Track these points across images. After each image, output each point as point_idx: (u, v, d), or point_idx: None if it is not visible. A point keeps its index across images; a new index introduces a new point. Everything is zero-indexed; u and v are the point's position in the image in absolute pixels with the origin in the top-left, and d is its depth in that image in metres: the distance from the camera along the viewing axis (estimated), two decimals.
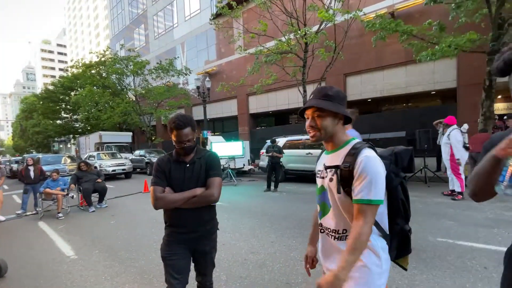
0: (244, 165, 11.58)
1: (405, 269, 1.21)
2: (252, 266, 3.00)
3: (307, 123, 1.12)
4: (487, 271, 2.58)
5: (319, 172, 1.20)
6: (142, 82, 19.56)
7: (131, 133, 20.77)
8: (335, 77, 13.21)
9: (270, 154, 7.72)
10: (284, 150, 8.29)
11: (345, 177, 1.04)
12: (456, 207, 4.86)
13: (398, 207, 1.10)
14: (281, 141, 9.24)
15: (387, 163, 1.10)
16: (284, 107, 16.28)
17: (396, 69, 12.19)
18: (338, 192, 1.05)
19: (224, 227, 4.40)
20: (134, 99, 20.31)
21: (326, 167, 1.13)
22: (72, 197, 6.52)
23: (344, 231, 1.08)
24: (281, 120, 19.36)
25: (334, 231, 1.11)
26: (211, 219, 1.75)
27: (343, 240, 1.08)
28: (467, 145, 5.66)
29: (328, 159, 1.16)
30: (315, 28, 10.58)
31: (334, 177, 1.08)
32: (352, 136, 1.14)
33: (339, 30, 10.45)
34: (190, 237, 1.66)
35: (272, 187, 7.70)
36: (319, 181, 1.20)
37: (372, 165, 1.00)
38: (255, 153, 13.71)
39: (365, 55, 12.64)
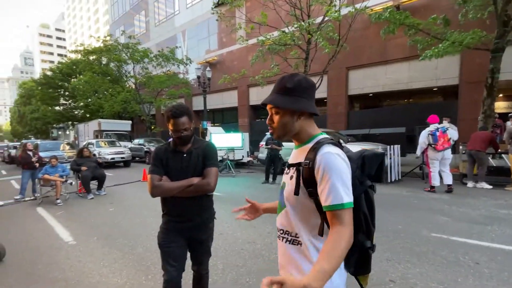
0: (243, 156, 11.61)
1: None
2: (249, 255, 3.04)
3: (267, 118, 1.04)
4: (479, 266, 2.63)
5: (287, 170, 1.10)
6: (142, 70, 19.34)
7: (130, 122, 20.70)
8: (337, 70, 13.10)
9: (269, 146, 7.73)
10: (283, 143, 8.29)
11: (307, 175, 0.92)
12: (451, 204, 4.91)
13: (359, 221, 0.94)
14: None
15: (353, 167, 0.95)
16: None
17: (399, 64, 12.07)
18: (296, 193, 0.94)
19: (222, 217, 4.43)
20: (134, 87, 20.14)
21: (289, 165, 1.05)
22: (71, 183, 6.54)
23: (297, 236, 0.96)
24: None
25: (286, 232, 1.00)
26: (208, 209, 1.77)
27: (295, 244, 0.97)
28: (433, 145, 5.88)
29: (294, 155, 1.05)
30: (319, 20, 10.41)
31: (295, 175, 0.98)
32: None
33: (343, 22, 10.28)
34: (186, 225, 1.69)
35: (270, 179, 7.74)
36: (284, 178, 1.10)
37: (334, 162, 0.88)
38: (254, 145, 13.71)
39: (368, 49, 12.49)
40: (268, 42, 11.15)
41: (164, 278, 1.66)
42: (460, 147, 8.32)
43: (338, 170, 0.87)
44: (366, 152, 1.02)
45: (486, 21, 7.69)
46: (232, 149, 10.57)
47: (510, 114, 6.58)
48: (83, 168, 6.54)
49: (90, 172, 6.58)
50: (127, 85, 21.04)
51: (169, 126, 1.63)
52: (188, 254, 1.78)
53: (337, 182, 0.85)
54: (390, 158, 6.88)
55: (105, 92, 21.17)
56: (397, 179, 7.00)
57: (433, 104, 12.55)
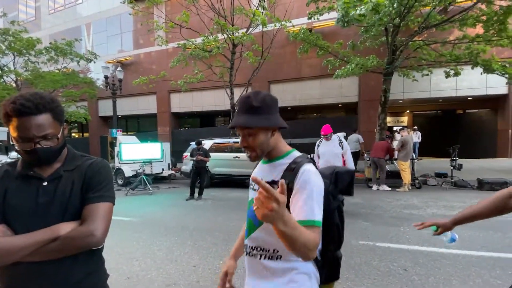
0: (163, 170, 10.36)
1: None
2: None
3: (240, 142, 1.03)
4: (407, 273, 2.74)
5: (252, 184, 1.05)
6: (26, 64, 15.41)
7: (7, 129, 16.09)
8: (260, 83, 13.52)
9: (194, 157, 7.04)
10: (210, 154, 7.74)
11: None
12: (367, 207, 5.39)
13: (333, 233, 1.03)
14: (207, 143, 8.64)
15: (327, 183, 1.03)
16: (211, 108, 15.69)
17: (312, 81, 13.39)
18: None
19: (132, 252, 3.54)
20: (14, 86, 15.78)
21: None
22: None
23: (276, 251, 0.96)
24: (207, 121, 18.65)
25: (263, 249, 0.98)
26: (91, 275, 0.99)
27: (273, 259, 0.96)
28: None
29: (263, 171, 1.05)
30: (242, 31, 10.50)
31: None
32: None
33: (266, 37, 10.68)
34: None
35: (196, 194, 7.02)
36: (251, 194, 1.07)
37: (314, 180, 0.90)
38: (177, 156, 12.57)
39: (286, 65, 13.42)
40: (190, 47, 10.55)
41: None
42: (365, 155, 9.60)
43: (316, 186, 0.90)
44: (338, 169, 1.12)
45: (380, 49, 9.27)
46: (149, 162, 9.26)
47: (400, 127, 7.92)
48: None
49: None
50: (4, 82, 16.34)
51: (11, 132, 0.89)
52: None
53: (313, 198, 0.87)
54: None
55: None
56: None
57: (339, 118, 14.39)
